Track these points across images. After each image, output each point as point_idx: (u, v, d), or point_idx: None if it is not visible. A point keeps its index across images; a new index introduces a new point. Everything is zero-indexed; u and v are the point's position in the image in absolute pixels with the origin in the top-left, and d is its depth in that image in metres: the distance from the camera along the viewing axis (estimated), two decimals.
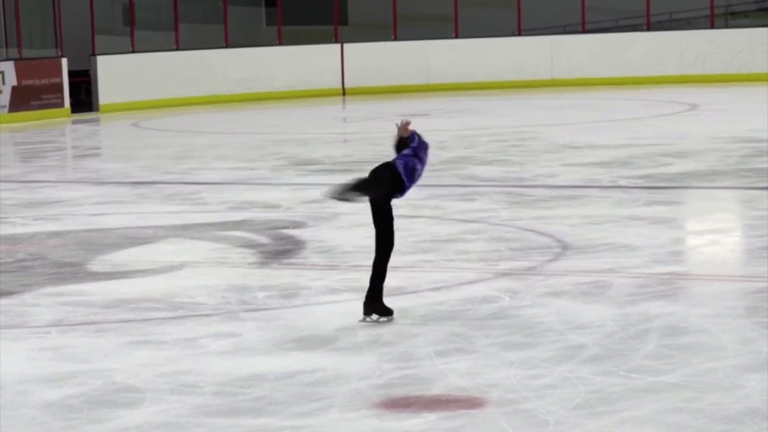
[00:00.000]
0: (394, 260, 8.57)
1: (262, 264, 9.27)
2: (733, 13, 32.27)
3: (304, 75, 28.69)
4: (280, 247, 9.87)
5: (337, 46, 29.10)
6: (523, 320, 7.17)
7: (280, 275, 8.78)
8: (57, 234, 10.87)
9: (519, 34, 29.32)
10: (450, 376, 6.12)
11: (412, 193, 8.27)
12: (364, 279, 8.32)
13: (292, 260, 9.37)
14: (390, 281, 8.23)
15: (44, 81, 24.93)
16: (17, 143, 20.32)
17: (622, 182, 13.01)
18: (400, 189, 7.23)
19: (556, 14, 30.23)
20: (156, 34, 28.25)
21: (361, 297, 7.92)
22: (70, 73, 25.50)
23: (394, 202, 7.32)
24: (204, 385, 6.08)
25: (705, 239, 10.00)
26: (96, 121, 24.96)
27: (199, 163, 16.47)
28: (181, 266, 9.19)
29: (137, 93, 26.74)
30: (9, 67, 24.32)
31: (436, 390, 5.91)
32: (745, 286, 8.09)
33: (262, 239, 10.25)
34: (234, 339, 7.00)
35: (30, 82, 24.63)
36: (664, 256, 9.04)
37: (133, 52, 27.15)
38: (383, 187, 7.15)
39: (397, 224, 7.85)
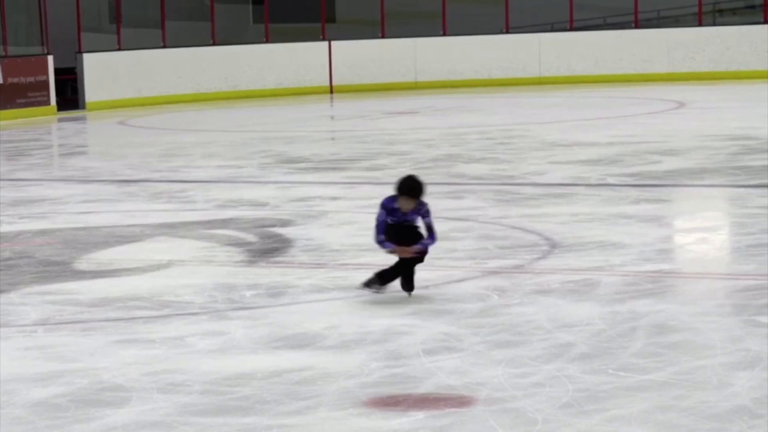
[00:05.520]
0: (384, 258, 8.55)
1: (250, 262, 9.25)
2: (721, 11, 32.35)
3: (292, 73, 28.67)
4: (268, 246, 9.84)
5: (325, 43, 29.09)
6: (512, 318, 7.16)
7: (267, 274, 8.76)
8: (43, 232, 10.83)
9: (507, 32, 29.33)
10: (438, 374, 6.10)
11: None
12: (352, 277, 8.31)
13: (280, 258, 9.35)
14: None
15: (30, 79, 24.86)
16: (3, 141, 20.25)
17: (610, 180, 13.01)
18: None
19: (544, 12, 30.27)
20: (143, 31, 28.20)
21: (348, 295, 7.90)
22: (57, 71, 25.44)
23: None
24: (191, 383, 6.06)
25: (693, 237, 10.00)
26: (82, 119, 24.90)
27: (186, 161, 16.44)
28: (168, 265, 9.16)
29: (124, 91, 26.69)
30: None
31: (425, 388, 5.90)
32: (734, 284, 8.09)
33: (250, 237, 10.23)
34: (221, 338, 6.98)
35: (16, 79, 24.56)
36: (653, 254, 9.03)
37: (119, 49, 27.11)
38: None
39: None
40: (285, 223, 10.82)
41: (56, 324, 7.47)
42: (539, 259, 8.96)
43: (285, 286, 8.27)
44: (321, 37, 29.23)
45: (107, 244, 10.10)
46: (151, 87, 27.09)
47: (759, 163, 13.60)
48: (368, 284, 7.71)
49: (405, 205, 7.56)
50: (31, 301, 8.09)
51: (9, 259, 9.57)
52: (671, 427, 5.26)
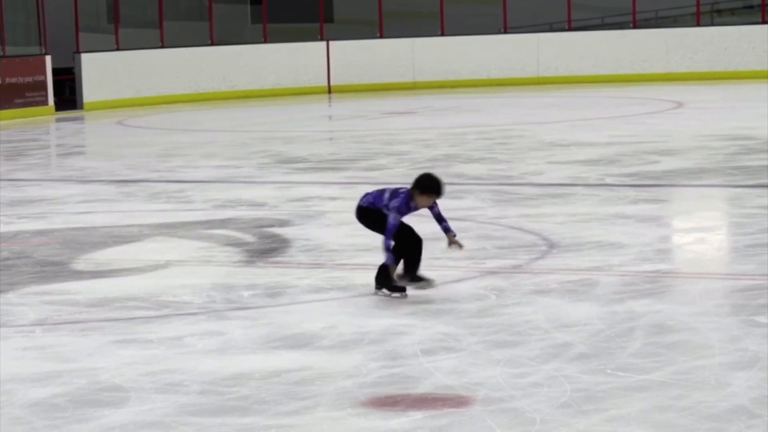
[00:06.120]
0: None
1: (248, 262, 9.25)
2: (719, 11, 32.36)
3: (290, 73, 28.66)
4: (266, 246, 9.84)
5: (323, 43, 29.08)
6: (510, 318, 7.16)
7: (265, 274, 8.76)
8: (41, 232, 10.83)
9: (505, 32, 29.33)
10: (436, 374, 6.10)
11: None
12: (350, 277, 8.31)
13: (278, 259, 9.35)
14: None
15: (28, 79, 24.85)
16: (1, 141, 20.24)
17: (608, 180, 13.01)
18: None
19: (542, 12, 30.28)
20: (141, 31, 28.19)
21: (346, 295, 7.90)
22: (55, 71, 25.42)
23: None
24: (190, 384, 6.06)
25: (692, 237, 10.01)
26: (80, 119, 24.90)
27: (185, 161, 16.44)
28: (166, 265, 9.16)
29: (122, 91, 26.68)
30: None
31: (423, 388, 5.90)
32: (732, 284, 8.09)
33: (248, 237, 10.23)
34: (220, 338, 6.98)
35: (14, 80, 24.55)
36: (651, 254, 9.03)
37: (117, 49, 27.09)
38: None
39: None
40: (283, 223, 10.82)
41: (54, 324, 7.47)
42: (537, 259, 8.96)
43: (283, 286, 8.27)
44: (319, 37, 29.22)
45: (105, 245, 10.10)
46: (149, 87, 27.08)
47: (757, 163, 13.61)
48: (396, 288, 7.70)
49: (424, 202, 7.59)
50: (29, 301, 8.09)
51: (7, 259, 9.57)
52: (670, 427, 5.26)
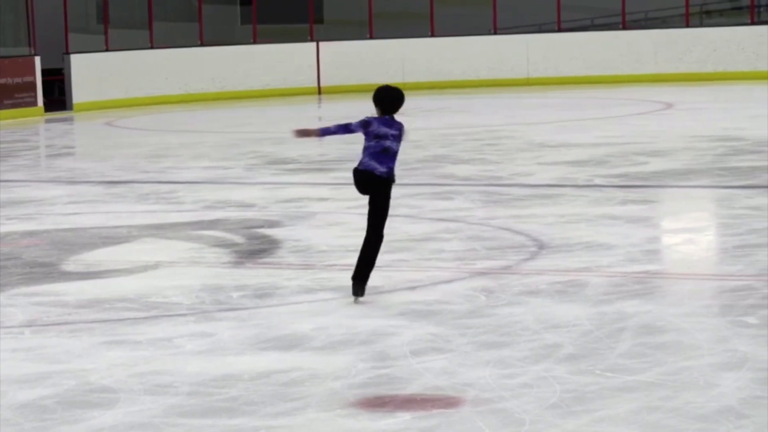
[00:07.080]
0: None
1: (237, 263, 9.24)
2: (708, 12, 32.40)
3: (280, 73, 28.65)
4: (255, 247, 9.84)
5: (313, 44, 29.08)
6: (499, 319, 7.17)
7: (255, 275, 8.76)
8: (30, 234, 10.81)
9: (495, 33, 29.35)
10: (425, 375, 6.11)
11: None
12: (340, 278, 8.31)
13: (267, 260, 9.34)
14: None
15: (17, 80, 24.80)
16: None
17: (597, 181, 13.03)
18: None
19: (532, 13, 30.29)
20: (130, 32, 28.15)
21: (335, 296, 7.90)
22: (44, 72, 25.37)
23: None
24: (179, 385, 6.05)
25: (680, 238, 10.03)
26: (70, 119, 24.86)
27: (174, 162, 16.42)
28: (155, 266, 9.16)
29: (111, 91, 26.64)
30: None
31: (412, 389, 5.90)
32: (720, 285, 8.11)
33: (237, 239, 10.22)
34: (209, 339, 6.97)
35: (3, 80, 24.49)
36: (640, 254, 9.05)
37: (107, 50, 27.06)
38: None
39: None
40: (272, 224, 10.82)
41: (43, 325, 7.46)
42: (527, 260, 8.97)
43: (272, 287, 8.27)
44: (309, 37, 29.22)
45: (94, 246, 10.09)
46: (138, 88, 27.04)
47: (745, 164, 13.64)
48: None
49: (378, 113, 8.08)
50: (18, 302, 8.08)
51: None
52: (658, 428, 5.27)
